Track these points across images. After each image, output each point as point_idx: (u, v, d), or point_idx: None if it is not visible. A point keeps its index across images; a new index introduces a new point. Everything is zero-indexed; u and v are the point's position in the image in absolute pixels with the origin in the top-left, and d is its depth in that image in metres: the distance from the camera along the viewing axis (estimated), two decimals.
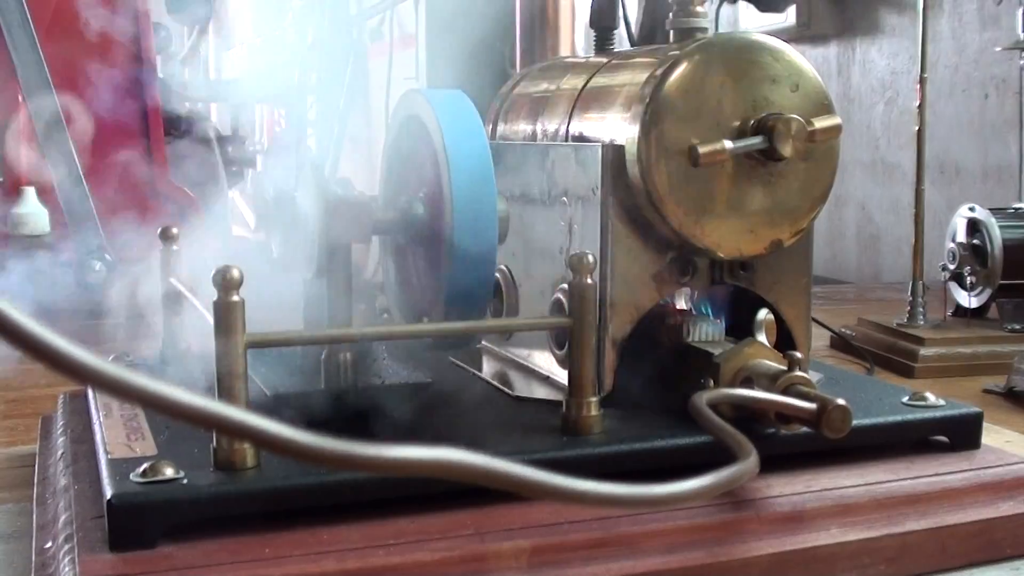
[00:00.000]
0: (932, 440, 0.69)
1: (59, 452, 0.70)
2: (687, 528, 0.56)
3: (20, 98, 1.49)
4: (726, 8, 2.30)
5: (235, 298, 0.55)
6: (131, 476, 0.54)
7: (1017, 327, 1.18)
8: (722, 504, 0.58)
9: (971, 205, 1.24)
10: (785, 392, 0.61)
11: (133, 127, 1.57)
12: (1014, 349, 1.10)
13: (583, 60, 0.84)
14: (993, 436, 0.82)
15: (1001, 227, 1.19)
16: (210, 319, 0.57)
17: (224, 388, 0.55)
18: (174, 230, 0.80)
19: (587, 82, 0.76)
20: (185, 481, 0.54)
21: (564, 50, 0.98)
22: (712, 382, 0.65)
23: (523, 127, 0.83)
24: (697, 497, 0.52)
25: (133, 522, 0.52)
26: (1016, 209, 1.23)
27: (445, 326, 0.64)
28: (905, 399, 0.70)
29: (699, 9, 0.72)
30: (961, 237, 1.23)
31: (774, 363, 0.64)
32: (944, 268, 1.25)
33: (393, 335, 0.67)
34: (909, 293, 1.22)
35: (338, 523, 0.54)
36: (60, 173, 1.42)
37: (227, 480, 0.55)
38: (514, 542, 0.54)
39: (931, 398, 0.69)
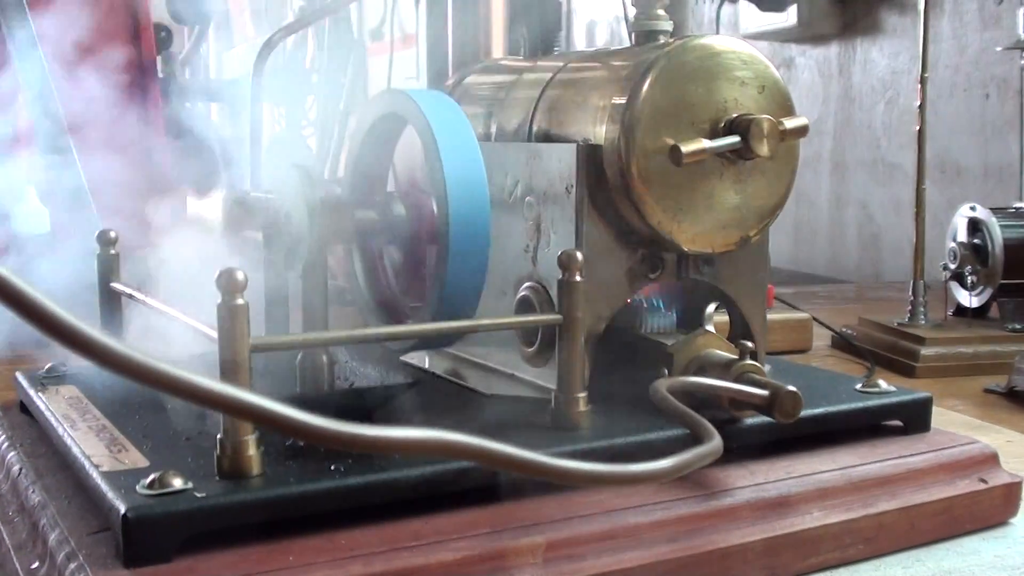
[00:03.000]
0: (884, 424, 0.72)
1: (15, 468, 0.67)
2: (687, 517, 0.58)
3: (20, 98, 1.49)
4: (727, 8, 2.30)
5: (240, 301, 0.53)
6: (138, 489, 0.52)
7: (1018, 327, 1.18)
8: (716, 493, 0.60)
9: (972, 204, 1.24)
10: (738, 380, 0.64)
11: (134, 127, 1.57)
12: (1015, 349, 1.10)
13: (531, 62, 0.84)
14: (994, 436, 0.82)
15: (1002, 226, 1.19)
16: (200, 326, 0.56)
17: None
18: (112, 233, 0.78)
19: (549, 82, 0.77)
20: (197, 492, 0.52)
21: (496, 50, 0.99)
22: (667, 372, 0.67)
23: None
24: (668, 475, 0.55)
25: (150, 536, 0.50)
26: (1017, 208, 1.24)
27: (446, 326, 0.65)
28: (858, 386, 0.73)
29: (660, 12, 0.73)
30: (962, 236, 1.23)
31: (726, 352, 0.67)
32: (945, 267, 1.25)
33: (390, 336, 0.67)
34: (910, 292, 1.22)
35: (351, 527, 0.54)
36: (60, 173, 1.42)
37: (239, 488, 0.54)
38: (530, 538, 0.54)
39: (883, 384, 0.73)
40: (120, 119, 1.39)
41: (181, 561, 0.50)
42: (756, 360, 0.66)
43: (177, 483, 0.53)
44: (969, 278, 1.22)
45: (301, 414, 0.36)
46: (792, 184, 0.72)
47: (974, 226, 1.23)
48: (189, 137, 1.69)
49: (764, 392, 0.61)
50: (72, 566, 0.52)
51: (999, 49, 1.66)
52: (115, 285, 0.76)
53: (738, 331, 0.74)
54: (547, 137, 0.74)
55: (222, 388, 0.35)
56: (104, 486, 0.54)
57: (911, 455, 0.67)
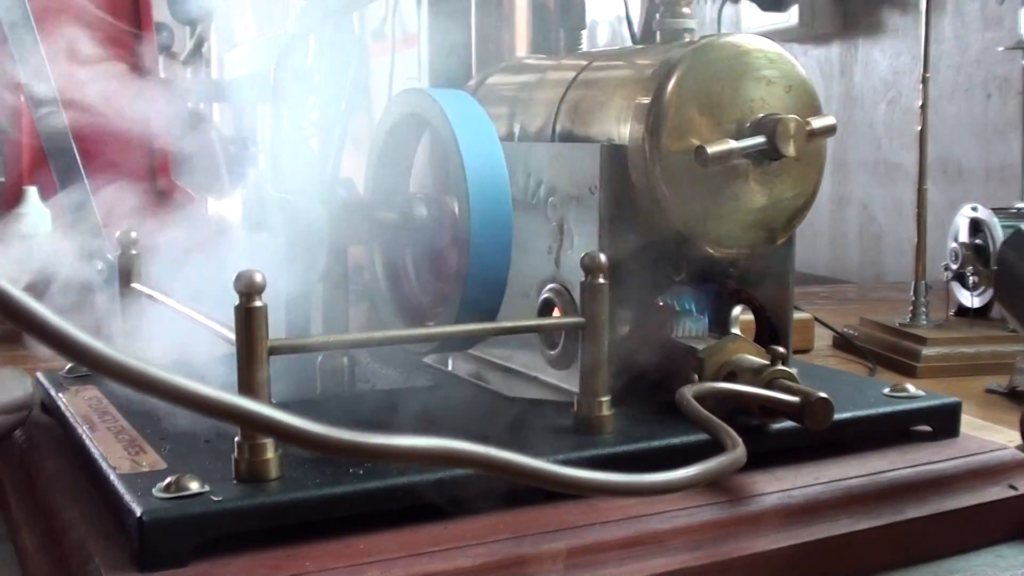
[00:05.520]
0: (913, 429, 0.71)
1: (35, 469, 0.67)
2: (712, 524, 0.58)
3: (21, 97, 1.49)
4: (728, 7, 2.30)
5: (258, 303, 0.53)
6: (154, 492, 0.52)
7: None
8: (742, 499, 0.60)
9: (973, 205, 1.24)
10: (768, 386, 0.63)
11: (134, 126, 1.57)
12: (1016, 349, 1.10)
13: (555, 61, 0.83)
14: (996, 436, 0.82)
15: (1003, 227, 1.19)
16: (218, 328, 0.56)
17: (246, 394, 0.53)
18: (133, 234, 0.78)
19: (572, 81, 0.76)
20: (214, 495, 0.52)
21: (520, 48, 0.98)
22: (697, 377, 0.66)
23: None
24: (688, 485, 0.54)
25: (165, 540, 0.50)
26: (1018, 209, 1.23)
27: (462, 329, 0.64)
28: (886, 391, 0.72)
29: (686, 10, 0.73)
30: (963, 237, 1.23)
31: (757, 357, 0.66)
32: (946, 268, 1.25)
33: (411, 338, 0.66)
34: (911, 293, 1.22)
35: (369, 532, 0.54)
36: (61, 172, 1.42)
37: (256, 492, 0.53)
38: (551, 545, 0.54)
39: (911, 389, 0.72)
40: (120, 119, 1.39)
41: (197, 566, 0.50)
42: (786, 365, 0.65)
43: (194, 486, 0.52)
44: (970, 278, 1.22)
45: (300, 421, 0.36)
46: (819, 185, 0.71)
47: (975, 226, 1.23)
48: (194, 137, 1.69)
49: (795, 399, 0.60)
50: (87, 569, 0.51)
51: (1001, 49, 1.66)
52: (136, 286, 0.76)
53: (764, 334, 0.73)
54: (570, 137, 0.73)
55: (211, 392, 0.34)
56: (120, 489, 0.54)
57: (940, 461, 0.66)
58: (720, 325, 0.72)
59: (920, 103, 1.20)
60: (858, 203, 2.28)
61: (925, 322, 1.20)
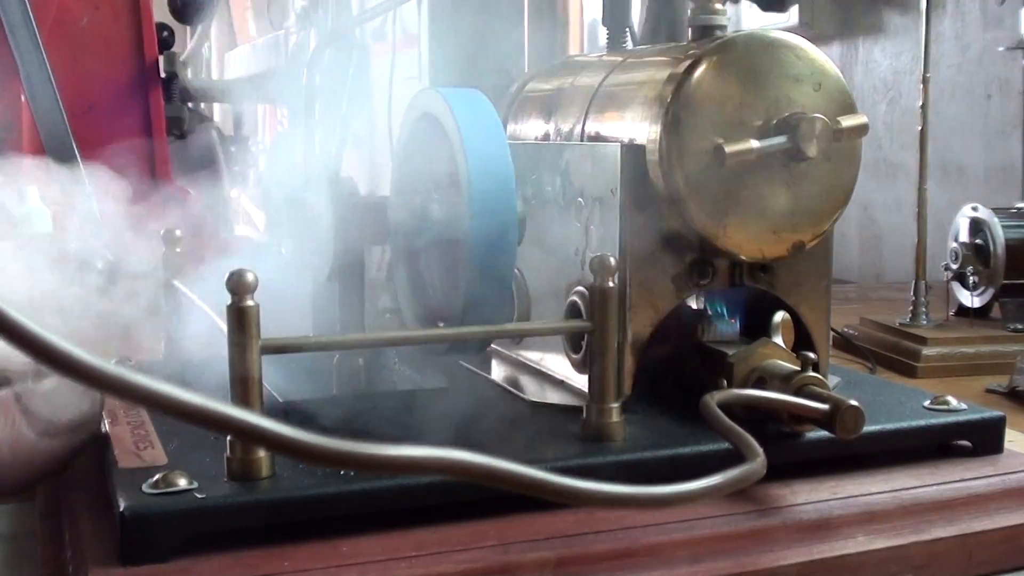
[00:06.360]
0: (954, 445, 0.68)
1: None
2: (713, 537, 0.56)
3: (23, 98, 1.49)
4: (728, 7, 2.29)
5: (249, 302, 0.54)
6: (143, 487, 0.53)
7: (1020, 327, 1.17)
8: (748, 512, 0.57)
9: (974, 205, 1.24)
10: (798, 392, 0.61)
11: (135, 126, 1.57)
12: (1017, 349, 1.10)
13: (595, 58, 0.83)
14: None
15: (1004, 227, 1.19)
16: (221, 324, 0.56)
17: (238, 394, 0.54)
18: (177, 232, 0.79)
19: (603, 81, 0.75)
20: (199, 492, 0.53)
21: (573, 48, 0.98)
22: (726, 382, 0.64)
23: (535, 126, 0.82)
24: (703, 498, 0.52)
25: (146, 535, 0.51)
26: (1019, 209, 1.23)
27: (462, 331, 0.63)
28: (927, 403, 0.69)
29: (718, 6, 0.71)
30: (964, 237, 1.23)
31: (788, 363, 0.64)
32: (947, 268, 1.25)
33: (409, 340, 0.66)
34: (912, 293, 1.21)
35: (357, 534, 0.54)
36: (62, 171, 1.42)
37: (242, 491, 0.53)
38: (538, 553, 0.53)
39: (953, 402, 0.69)
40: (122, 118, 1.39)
41: (178, 562, 0.50)
42: (819, 371, 0.63)
43: (182, 483, 0.53)
44: (971, 278, 1.22)
45: (290, 429, 0.35)
46: (853, 187, 0.68)
47: (976, 226, 1.23)
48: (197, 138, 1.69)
49: (824, 406, 0.58)
50: (77, 560, 0.52)
51: (1001, 49, 1.66)
52: (177, 283, 0.77)
53: (801, 340, 0.71)
54: (597, 137, 0.72)
55: (196, 400, 0.34)
56: (115, 482, 0.55)
57: (975, 478, 0.64)
58: (755, 330, 0.70)
59: (920, 103, 1.20)
60: (858, 203, 2.28)
61: (925, 322, 1.20)
